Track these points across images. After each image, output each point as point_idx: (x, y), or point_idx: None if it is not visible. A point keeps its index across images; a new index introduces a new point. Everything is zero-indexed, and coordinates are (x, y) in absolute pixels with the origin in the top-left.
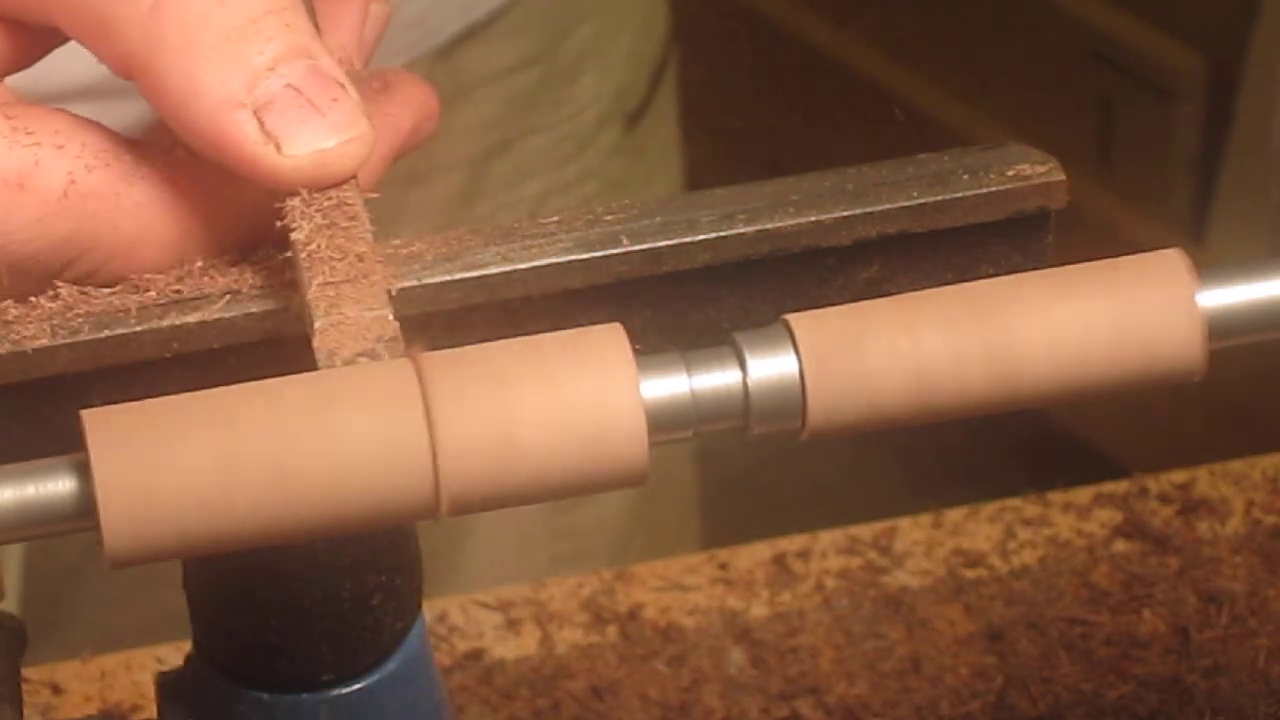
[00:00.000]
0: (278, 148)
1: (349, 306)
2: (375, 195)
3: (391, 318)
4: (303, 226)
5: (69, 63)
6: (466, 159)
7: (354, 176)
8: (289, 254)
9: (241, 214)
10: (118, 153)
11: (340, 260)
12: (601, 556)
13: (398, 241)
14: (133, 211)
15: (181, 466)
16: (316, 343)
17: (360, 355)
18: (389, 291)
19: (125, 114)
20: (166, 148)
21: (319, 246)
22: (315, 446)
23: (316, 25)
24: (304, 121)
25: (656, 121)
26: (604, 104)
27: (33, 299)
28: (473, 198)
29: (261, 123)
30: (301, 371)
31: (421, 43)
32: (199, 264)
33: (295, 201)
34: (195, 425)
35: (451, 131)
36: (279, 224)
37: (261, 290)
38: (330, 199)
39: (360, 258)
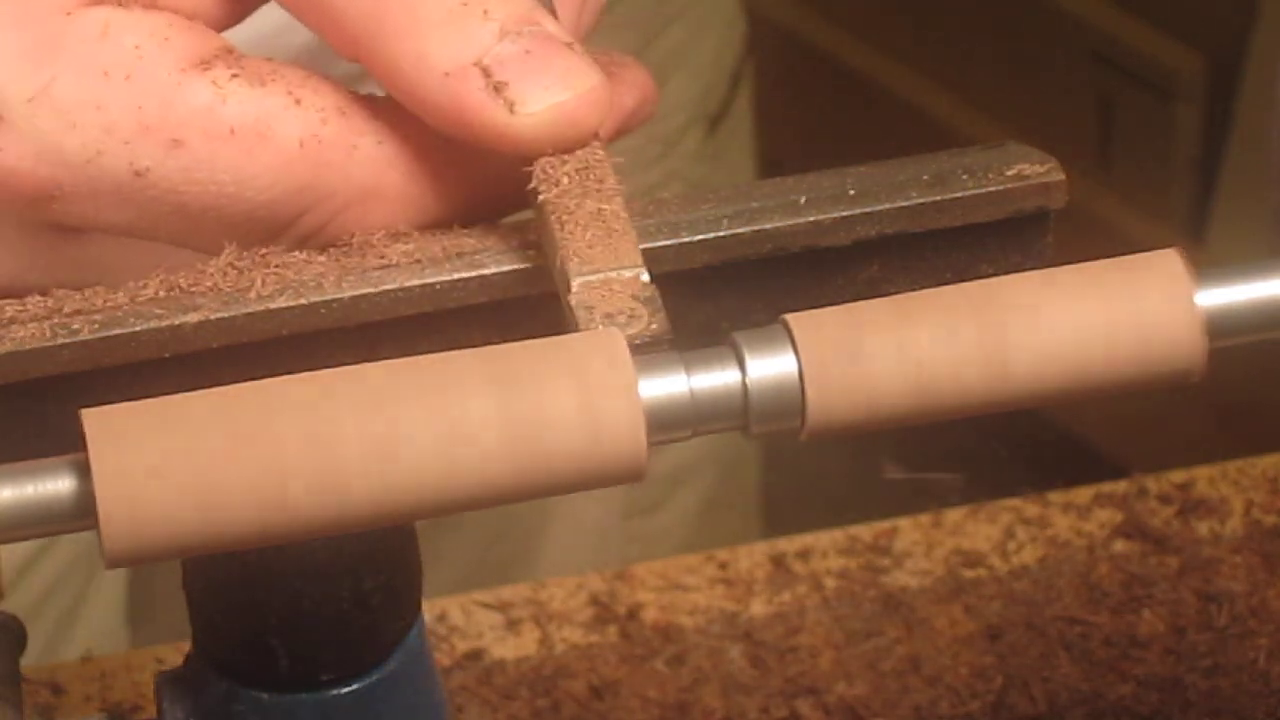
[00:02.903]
0: (512, 109)
1: (604, 265)
2: (620, 160)
3: (647, 277)
4: (551, 188)
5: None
6: None
7: (596, 135)
8: (531, 217)
9: (477, 179)
10: (350, 106)
11: (593, 220)
12: None
13: (383, 236)
14: (366, 164)
15: (181, 466)
16: (574, 300)
17: (619, 313)
18: (641, 250)
19: None
20: (398, 105)
21: (570, 207)
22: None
23: None
24: (536, 79)
25: (734, 126)
26: (690, 107)
27: (32, 298)
28: None
29: (494, 87)
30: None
31: None
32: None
33: (543, 163)
34: (196, 425)
35: None
36: (528, 188)
37: (490, 251)
38: (579, 160)
39: (612, 217)
